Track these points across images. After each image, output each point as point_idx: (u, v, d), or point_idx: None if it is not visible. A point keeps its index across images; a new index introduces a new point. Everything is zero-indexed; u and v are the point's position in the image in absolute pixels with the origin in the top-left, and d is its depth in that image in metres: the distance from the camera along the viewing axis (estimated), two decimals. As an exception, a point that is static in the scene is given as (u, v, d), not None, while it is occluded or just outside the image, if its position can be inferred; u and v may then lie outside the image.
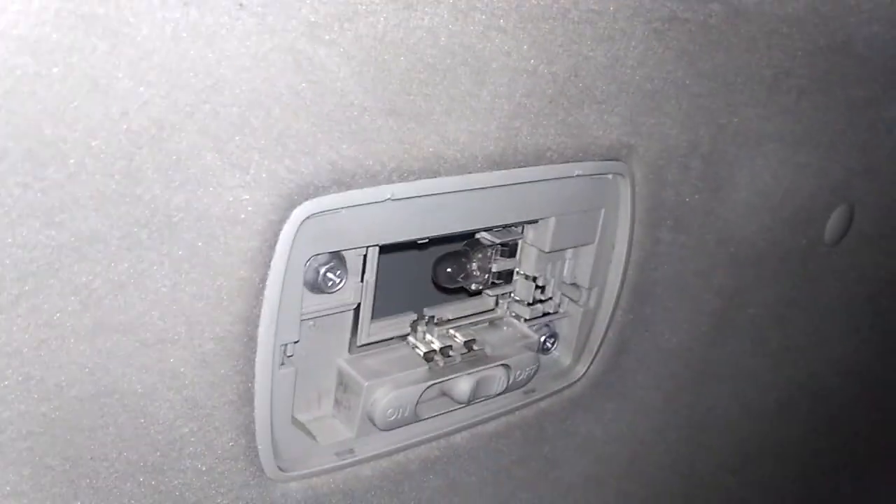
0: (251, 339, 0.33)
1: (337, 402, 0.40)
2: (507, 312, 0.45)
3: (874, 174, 0.58)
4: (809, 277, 0.58)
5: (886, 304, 0.64)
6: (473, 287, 0.43)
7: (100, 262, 0.28)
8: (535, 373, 0.43)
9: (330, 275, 0.35)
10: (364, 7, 0.30)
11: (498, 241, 0.42)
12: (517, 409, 0.45)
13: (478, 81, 0.34)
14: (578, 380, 0.46)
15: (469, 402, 0.41)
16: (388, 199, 0.34)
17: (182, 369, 0.31)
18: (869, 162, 0.57)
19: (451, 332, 0.42)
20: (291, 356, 0.36)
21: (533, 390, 0.45)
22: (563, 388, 0.46)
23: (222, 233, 0.30)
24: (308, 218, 0.32)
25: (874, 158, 0.57)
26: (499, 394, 0.42)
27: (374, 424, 0.38)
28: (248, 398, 0.34)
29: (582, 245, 0.44)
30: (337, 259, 0.36)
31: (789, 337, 0.60)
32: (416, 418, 0.39)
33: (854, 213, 0.58)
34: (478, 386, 0.41)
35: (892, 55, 0.53)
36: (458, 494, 0.44)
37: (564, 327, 0.47)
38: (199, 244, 0.30)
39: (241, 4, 0.27)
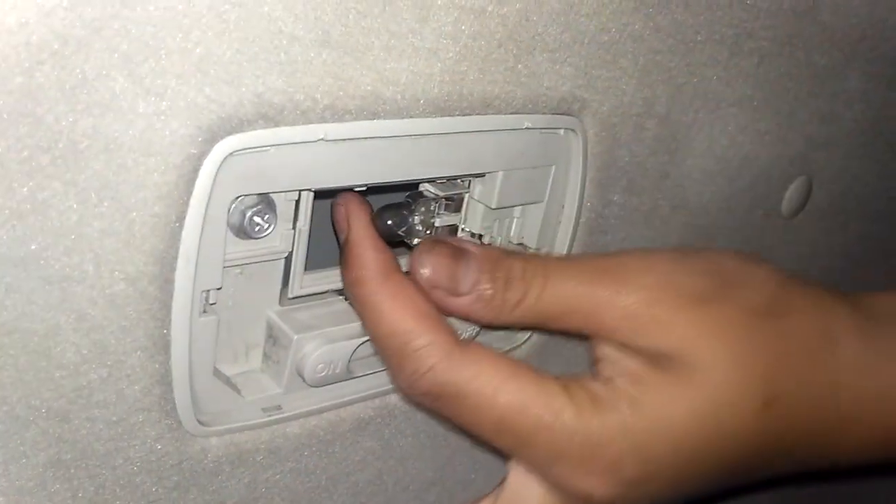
0: (167, 282, 0.31)
1: (265, 356, 0.38)
2: (452, 271, 0.43)
3: (833, 147, 0.57)
4: (764, 249, 0.57)
5: (840, 278, 0.63)
6: (415, 242, 0.41)
7: (-5, 187, 0.26)
8: (476, 334, 0.42)
9: (257, 219, 0.33)
10: (295, -75, 0.28)
11: (442, 194, 0.40)
12: (521, 344, 0.43)
13: (421, 17, 0.32)
14: (522, 343, 0.45)
15: (406, 361, 0.39)
16: (321, 139, 0.32)
17: (90, 310, 0.29)
18: (829, 134, 0.56)
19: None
20: (214, 304, 0.34)
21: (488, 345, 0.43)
22: (507, 352, 0.45)
23: (134, 164, 0.28)
24: (231, 154, 0.30)
25: (834, 131, 0.56)
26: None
27: (304, 380, 0.37)
28: (163, 345, 0.32)
29: (530, 203, 0.43)
30: (265, 203, 0.34)
31: (741, 309, 0.59)
32: (348, 375, 0.38)
33: (812, 187, 0.57)
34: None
35: (857, 24, 0.52)
36: (392, 457, 0.42)
37: (511, 289, 0.45)
38: (109, 175, 0.28)
39: (155, -90, 0.25)
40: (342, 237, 0.36)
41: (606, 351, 0.35)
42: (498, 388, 0.32)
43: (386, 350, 0.34)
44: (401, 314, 0.33)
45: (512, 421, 0.32)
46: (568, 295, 0.34)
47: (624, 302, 0.34)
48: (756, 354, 0.34)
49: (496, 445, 0.34)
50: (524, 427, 0.32)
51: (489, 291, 0.34)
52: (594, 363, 0.36)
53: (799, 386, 0.35)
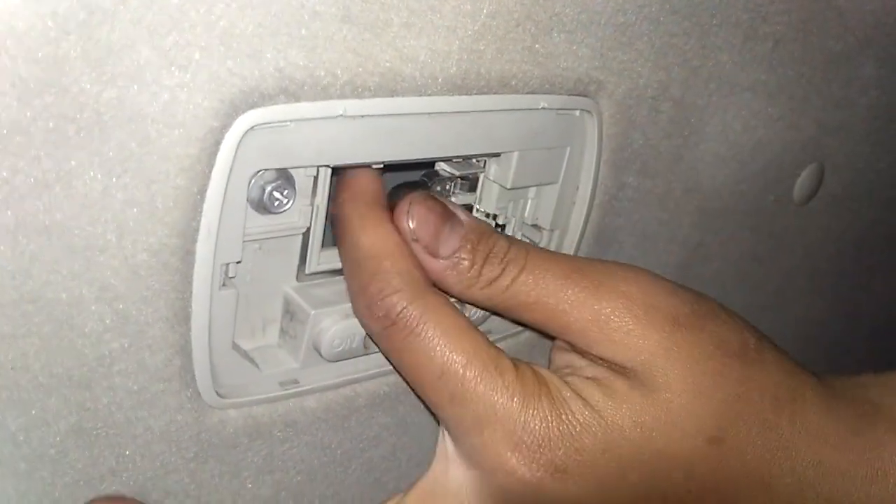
0: (188, 254, 0.31)
1: (283, 331, 0.38)
2: (466, 251, 0.44)
3: (847, 134, 0.57)
4: (775, 235, 0.57)
5: (850, 266, 0.64)
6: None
7: (22, 156, 0.26)
8: (485, 319, 0.42)
9: (276, 194, 0.34)
10: None
11: (458, 173, 0.40)
12: (506, 337, 0.43)
13: (440, -5, 0.32)
14: (524, 330, 0.45)
15: (420, 338, 0.40)
16: (341, 115, 0.32)
17: (112, 280, 0.30)
18: (842, 121, 0.56)
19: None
20: (233, 278, 0.34)
21: (489, 332, 0.44)
22: (521, 331, 0.45)
23: (157, 136, 0.28)
24: (252, 129, 0.30)
25: (848, 118, 0.56)
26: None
27: (321, 355, 0.37)
28: (184, 317, 0.32)
29: (545, 184, 0.43)
30: (284, 178, 0.34)
31: (752, 294, 0.59)
32: (364, 351, 0.38)
33: (824, 174, 0.58)
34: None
35: (871, 10, 0.52)
36: (406, 433, 0.43)
37: (524, 270, 0.46)
38: (133, 146, 0.28)
39: None
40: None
41: (565, 355, 0.35)
42: (453, 335, 0.32)
43: (358, 268, 0.34)
44: (384, 239, 0.34)
45: (455, 372, 0.32)
46: (540, 285, 0.34)
47: (596, 305, 0.33)
48: (715, 389, 0.33)
49: (430, 397, 0.33)
50: (466, 381, 0.32)
51: (466, 262, 0.34)
52: (550, 363, 0.36)
53: (752, 434, 0.33)
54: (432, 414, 0.35)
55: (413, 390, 0.35)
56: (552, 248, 0.44)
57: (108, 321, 0.30)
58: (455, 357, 0.32)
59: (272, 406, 0.37)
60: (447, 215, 0.35)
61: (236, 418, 0.36)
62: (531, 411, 0.32)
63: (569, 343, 0.35)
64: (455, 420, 0.33)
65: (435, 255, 0.34)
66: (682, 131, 0.46)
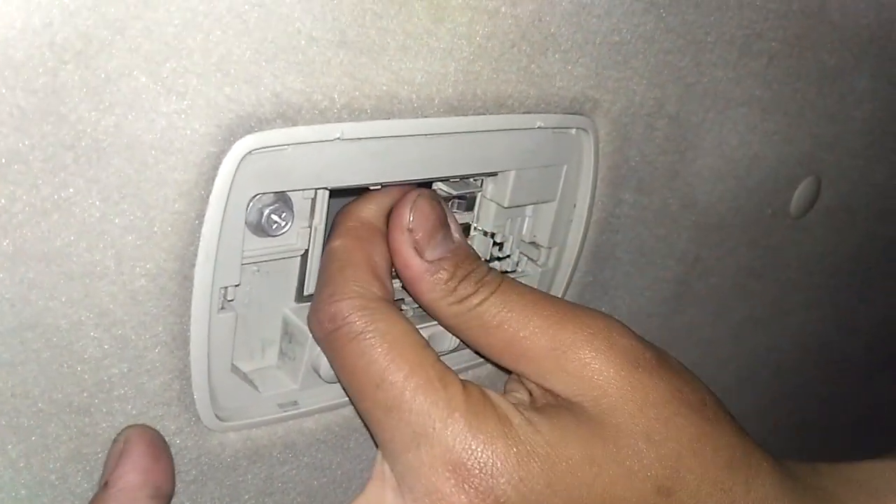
0: (187, 279, 0.31)
1: (282, 353, 0.38)
2: (464, 269, 0.44)
3: (842, 147, 0.57)
4: (772, 249, 0.57)
5: (847, 279, 0.64)
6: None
7: (20, 184, 0.26)
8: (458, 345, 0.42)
9: (274, 217, 0.34)
10: (314, -73, 0.28)
11: (455, 192, 0.41)
12: (469, 367, 0.43)
13: (436, 18, 0.33)
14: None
15: (419, 358, 0.40)
16: (338, 138, 0.33)
17: (111, 306, 0.30)
18: (837, 134, 0.56)
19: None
20: (232, 300, 0.34)
21: (458, 365, 0.44)
22: (485, 363, 0.45)
23: (155, 162, 0.28)
24: (250, 153, 0.30)
25: (843, 131, 0.57)
26: (451, 351, 0.41)
27: (320, 376, 0.37)
28: (183, 341, 0.32)
29: (542, 202, 0.43)
30: (282, 201, 0.34)
31: (750, 308, 0.59)
32: (362, 371, 0.38)
33: (821, 187, 0.58)
34: (429, 341, 0.39)
35: (866, 24, 0.52)
36: (405, 453, 0.43)
37: (522, 287, 0.46)
38: (130, 172, 0.28)
39: (178, -87, 0.26)
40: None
41: (517, 386, 0.34)
42: (398, 346, 0.31)
43: (326, 270, 0.34)
44: (353, 249, 0.34)
45: (394, 382, 0.30)
46: (506, 309, 0.33)
47: (557, 335, 0.32)
48: (668, 438, 0.31)
49: (367, 409, 0.32)
50: (405, 391, 0.30)
51: (445, 273, 0.34)
52: (504, 391, 0.35)
53: (702, 492, 0.32)
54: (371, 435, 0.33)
55: (352, 404, 0.34)
56: (550, 265, 0.44)
57: (107, 346, 0.30)
58: (396, 366, 0.31)
59: (271, 428, 0.37)
60: (445, 223, 0.35)
61: (236, 441, 0.36)
62: (474, 431, 0.30)
63: (523, 375, 0.34)
64: (390, 434, 0.31)
65: (420, 253, 0.34)
66: (678, 147, 0.46)
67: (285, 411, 0.37)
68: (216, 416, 0.35)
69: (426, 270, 0.34)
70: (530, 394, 0.34)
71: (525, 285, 0.35)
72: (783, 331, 0.64)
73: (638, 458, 0.31)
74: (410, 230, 0.34)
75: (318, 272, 0.35)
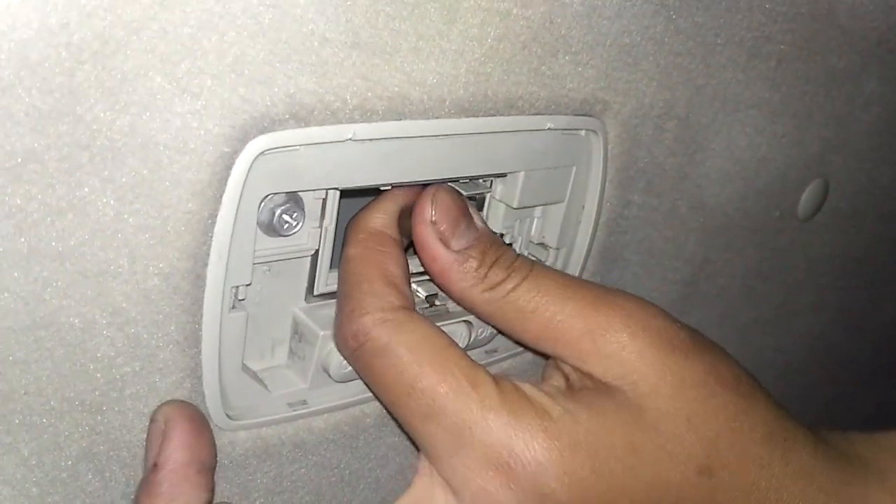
0: (199, 278, 0.31)
1: (291, 352, 0.38)
2: (472, 270, 0.44)
3: (850, 150, 0.57)
4: (780, 251, 0.57)
5: (854, 281, 0.64)
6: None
7: (36, 184, 0.26)
8: (492, 337, 0.42)
9: (286, 217, 0.34)
10: (328, -71, 0.28)
11: (465, 193, 0.41)
12: (506, 358, 0.44)
13: (448, 19, 0.33)
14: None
15: (428, 358, 0.40)
16: (350, 139, 0.33)
17: (124, 304, 0.30)
18: (845, 137, 0.56)
19: (413, 286, 0.41)
20: (243, 300, 0.35)
21: (495, 350, 0.44)
22: (523, 351, 0.45)
23: (169, 162, 0.28)
24: (263, 153, 0.31)
25: (851, 134, 0.57)
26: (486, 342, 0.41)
27: (329, 376, 0.37)
28: (194, 340, 0.32)
29: (551, 203, 0.43)
30: (294, 201, 0.34)
31: (757, 310, 0.59)
32: (372, 371, 0.38)
33: (828, 189, 0.58)
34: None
35: (874, 27, 0.52)
36: (414, 453, 0.43)
37: (530, 288, 0.46)
38: (145, 172, 0.28)
39: (194, -85, 0.26)
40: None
41: (554, 373, 0.34)
42: (425, 352, 0.31)
43: (343, 286, 0.34)
44: (371, 266, 0.34)
45: (425, 388, 0.30)
46: (541, 293, 0.33)
47: (593, 316, 0.33)
48: (707, 418, 0.32)
49: (403, 417, 0.32)
50: (437, 397, 0.30)
51: (474, 261, 0.34)
52: (540, 381, 0.35)
53: (743, 469, 0.32)
54: (410, 440, 0.33)
55: (390, 415, 0.34)
56: (558, 266, 0.45)
57: (119, 345, 0.30)
58: (425, 372, 0.31)
59: (281, 427, 0.37)
60: (467, 213, 0.35)
61: (246, 440, 0.36)
62: (513, 428, 0.30)
63: (560, 358, 0.34)
64: (430, 441, 0.31)
65: (447, 244, 0.34)
66: (686, 149, 0.47)
67: (295, 410, 0.37)
68: (226, 414, 0.35)
69: (455, 261, 0.34)
70: (567, 378, 0.34)
71: (555, 270, 0.36)
72: (790, 332, 0.64)
73: (679, 441, 0.31)
74: (434, 222, 0.34)
75: (337, 288, 0.35)
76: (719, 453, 0.32)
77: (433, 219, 0.34)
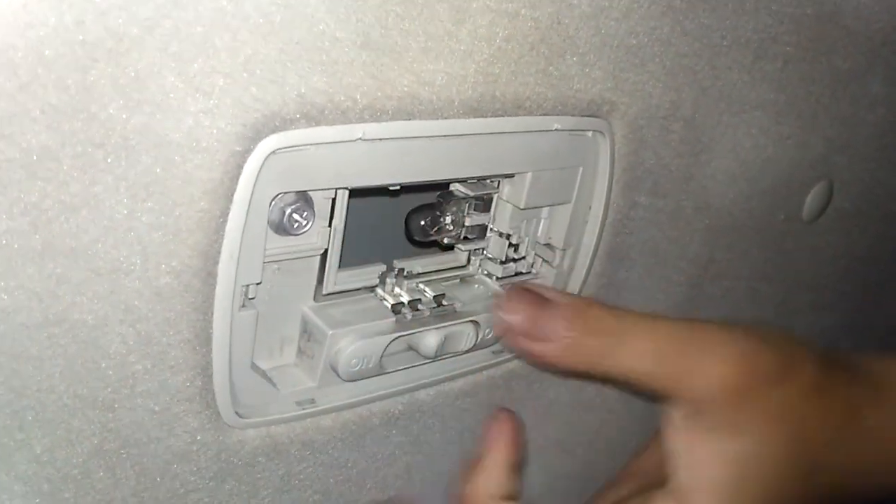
0: (210, 276, 0.31)
1: (300, 351, 0.39)
2: (480, 270, 0.44)
3: (855, 151, 0.57)
4: (785, 251, 0.57)
5: (859, 282, 0.64)
6: (446, 241, 0.42)
7: (51, 181, 0.27)
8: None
9: (296, 216, 0.34)
10: (340, -70, 0.29)
11: (472, 193, 0.41)
12: (484, 368, 0.44)
13: (457, 20, 0.33)
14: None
15: (436, 358, 0.40)
16: (359, 138, 0.33)
17: (136, 302, 0.30)
18: (850, 138, 0.56)
19: (421, 286, 0.41)
20: (253, 299, 0.35)
21: (502, 350, 0.44)
22: (505, 360, 0.45)
23: (182, 160, 0.29)
24: (274, 152, 0.31)
25: (855, 135, 0.57)
26: (466, 351, 0.41)
27: (338, 375, 0.37)
28: (205, 338, 0.32)
29: (558, 204, 0.43)
30: (304, 200, 0.34)
31: (761, 310, 0.59)
32: (380, 370, 0.38)
33: (833, 191, 0.58)
34: (445, 341, 0.40)
35: (879, 28, 0.52)
36: (420, 451, 0.43)
37: (537, 288, 0.46)
38: (158, 170, 0.28)
39: (208, -85, 0.26)
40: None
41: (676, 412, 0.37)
42: None
43: None
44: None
45: None
46: (649, 352, 0.35)
47: (707, 371, 0.35)
48: (805, 430, 0.36)
49: None
50: None
51: (569, 339, 0.35)
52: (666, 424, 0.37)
53: (835, 453, 0.37)
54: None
55: None
56: (565, 266, 0.45)
57: (131, 343, 0.31)
58: None
59: (289, 426, 0.37)
60: (542, 302, 0.36)
61: (255, 438, 0.36)
62: None
63: (678, 402, 0.36)
64: None
65: (542, 339, 0.35)
66: (692, 150, 0.47)
67: (303, 409, 0.37)
68: (236, 413, 0.35)
69: (554, 349, 0.35)
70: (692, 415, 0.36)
71: (650, 318, 0.37)
72: (794, 332, 0.64)
73: (785, 466, 0.36)
74: (522, 333, 0.36)
75: None
76: (818, 452, 0.37)
77: (521, 331, 0.36)
